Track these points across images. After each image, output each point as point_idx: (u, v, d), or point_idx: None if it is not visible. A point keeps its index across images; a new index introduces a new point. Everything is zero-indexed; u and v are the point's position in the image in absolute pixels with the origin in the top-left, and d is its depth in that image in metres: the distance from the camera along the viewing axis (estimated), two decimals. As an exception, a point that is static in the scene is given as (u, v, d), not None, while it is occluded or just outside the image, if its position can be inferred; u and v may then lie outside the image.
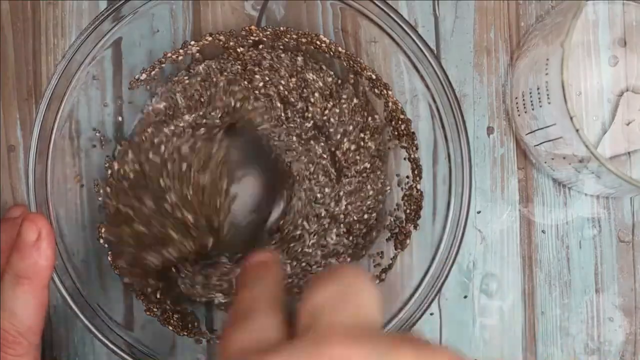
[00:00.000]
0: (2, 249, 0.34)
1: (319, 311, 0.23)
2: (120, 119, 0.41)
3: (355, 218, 0.41)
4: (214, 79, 0.41)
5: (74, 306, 0.36)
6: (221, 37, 0.41)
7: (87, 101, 0.39)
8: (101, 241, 0.40)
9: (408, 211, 0.40)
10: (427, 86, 0.37)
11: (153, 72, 0.41)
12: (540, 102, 0.38)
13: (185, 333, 0.40)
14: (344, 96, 0.41)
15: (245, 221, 0.39)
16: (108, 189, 0.38)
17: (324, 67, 0.42)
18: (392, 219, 0.41)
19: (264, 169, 0.40)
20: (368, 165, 0.41)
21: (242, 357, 0.23)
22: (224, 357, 0.25)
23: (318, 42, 0.40)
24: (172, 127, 0.39)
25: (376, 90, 0.41)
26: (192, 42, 0.41)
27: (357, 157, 0.41)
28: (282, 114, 0.41)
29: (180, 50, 0.41)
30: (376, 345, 0.21)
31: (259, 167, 0.40)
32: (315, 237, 0.41)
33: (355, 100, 0.41)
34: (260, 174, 0.40)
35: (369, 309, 0.24)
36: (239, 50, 0.41)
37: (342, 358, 0.21)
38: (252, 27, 0.40)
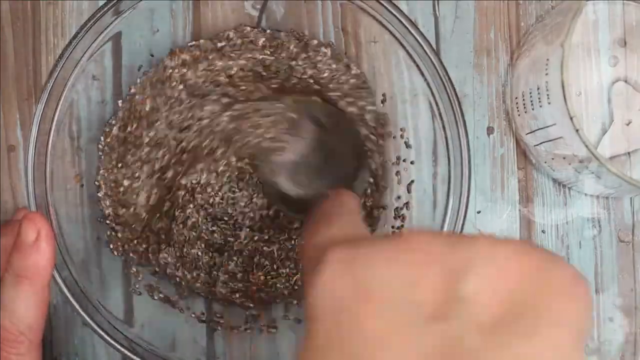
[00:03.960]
0: (3, 249, 0.34)
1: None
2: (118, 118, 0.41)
3: None
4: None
5: (74, 303, 0.36)
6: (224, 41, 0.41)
7: (87, 100, 0.39)
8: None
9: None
10: (427, 82, 0.37)
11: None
12: (540, 102, 0.38)
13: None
14: None
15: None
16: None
17: None
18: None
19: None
20: None
21: (332, 245, 0.21)
22: (309, 248, 0.25)
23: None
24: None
25: None
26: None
27: None
28: None
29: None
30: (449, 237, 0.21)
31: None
32: None
33: None
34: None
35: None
36: None
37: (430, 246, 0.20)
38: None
